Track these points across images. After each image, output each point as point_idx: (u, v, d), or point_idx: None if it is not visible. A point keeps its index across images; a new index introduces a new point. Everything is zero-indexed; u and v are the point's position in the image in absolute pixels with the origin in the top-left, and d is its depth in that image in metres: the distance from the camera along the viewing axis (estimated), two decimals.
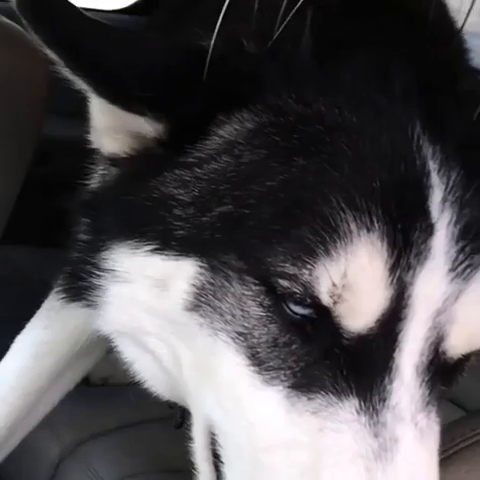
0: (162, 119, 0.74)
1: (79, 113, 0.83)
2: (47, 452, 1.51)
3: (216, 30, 0.74)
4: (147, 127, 0.75)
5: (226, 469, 0.75)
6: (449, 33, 0.87)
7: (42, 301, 1.29)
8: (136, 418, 1.60)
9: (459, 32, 0.92)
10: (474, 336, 0.71)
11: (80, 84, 0.74)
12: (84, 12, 0.73)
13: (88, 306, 0.85)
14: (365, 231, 0.66)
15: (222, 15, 0.74)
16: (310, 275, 0.67)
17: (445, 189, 0.70)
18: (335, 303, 0.67)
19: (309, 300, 0.67)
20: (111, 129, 0.79)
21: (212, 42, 0.73)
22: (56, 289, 1.19)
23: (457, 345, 0.70)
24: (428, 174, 0.70)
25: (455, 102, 0.79)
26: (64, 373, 1.32)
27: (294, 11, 0.75)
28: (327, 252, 0.66)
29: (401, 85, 0.76)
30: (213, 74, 0.73)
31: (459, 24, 0.93)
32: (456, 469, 0.69)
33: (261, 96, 0.74)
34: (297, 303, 0.68)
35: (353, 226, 0.66)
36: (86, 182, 0.95)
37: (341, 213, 0.67)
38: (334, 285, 0.66)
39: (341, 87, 0.74)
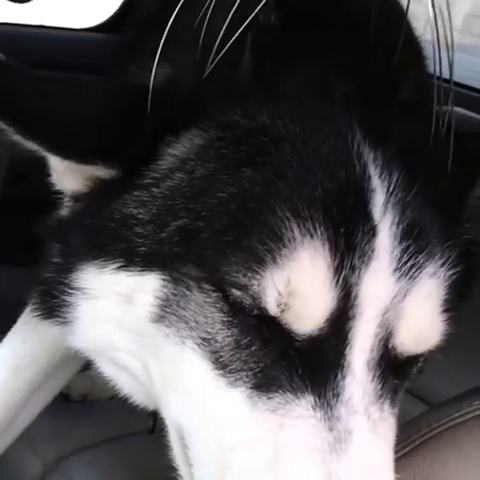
0: (113, 165, 0.78)
1: None
2: (29, 469, 1.51)
3: (156, 61, 0.79)
4: (101, 172, 0.79)
5: (194, 471, 0.78)
6: (396, 41, 0.89)
7: (17, 317, 1.31)
8: (117, 432, 1.60)
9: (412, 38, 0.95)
10: (422, 332, 0.75)
11: (30, 146, 0.77)
12: (25, 70, 0.76)
13: (61, 323, 0.88)
14: (308, 237, 0.69)
15: (162, 44, 0.78)
16: (258, 286, 0.70)
17: (387, 192, 0.73)
18: (282, 311, 0.70)
19: (257, 311, 0.71)
20: (69, 172, 0.83)
21: (153, 74, 0.77)
22: (31, 306, 1.21)
23: (406, 341, 0.73)
24: (369, 179, 0.73)
25: (395, 109, 0.82)
26: (43, 385, 1.33)
27: (235, 37, 0.79)
28: (273, 261, 0.69)
29: (340, 93, 0.79)
30: (157, 104, 0.77)
31: (425, 36, 0.96)
32: (422, 459, 0.72)
33: (206, 114, 0.77)
34: (248, 312, 0.71)
35: (297, 233, 0.69)
36: (58, 205, 0.98)
37: (286, 222, 0.70)
38: (280, 294, 0.69)
39: (283, 99, 0.77)
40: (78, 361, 1.36)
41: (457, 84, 2.70)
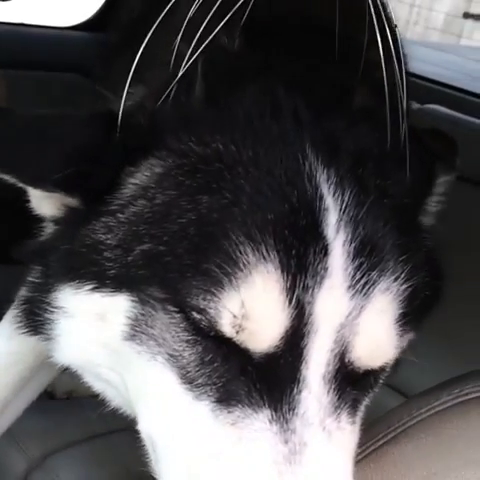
0: (74, 195, 0.83)
1: None
2: (14, 466, 1.51)
3: (126, 87, 0.82)
4: (68, 200, 0.84)
5: (159, 477, 0.82)
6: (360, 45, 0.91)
7: (3, 315, 1.32)
8: (103, 429, 1.60)
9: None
10: (377, 346, 0.77)
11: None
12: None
13: (45, 340, 0.92)
14: (261, 261, 0.72)
15: (134, 66, 0.82)
16: (215, 309, 0.72)
17: (340, 210, 0.75)
18: (237, 332, 0.73)
19: (213, 332, 0.74)
20: (45, 198, 0.87)
21: (122, 101, 0.82)
22: (15, 322, 1.23)
23: (362, 356, 0.76)
24: (321, 198, 0.75)
25: (347, 120, 0.83)
26: (28, 383, 1.34)
27: (188, 64, 0.82)
28: (229, 284, 0.72)
29: (290, 110, 0.81)
30: (121, 133, 0.81)
31: (403, 34, 0.97)
32: (403, 446, 0.74)
33: (163, 143, 0.80)
34: (205, 334, 0.75)
35: (251, 257, 0.72)
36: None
37: (240, 246, 0.72)
38: (234, 316, 0.72)
39: (235, 123, 0.79)
40: None
41: (436, 82, 2.72)
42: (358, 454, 0.78)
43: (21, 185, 0.84)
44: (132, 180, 0.81)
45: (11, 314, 1.30)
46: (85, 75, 2.35)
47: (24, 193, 0.90)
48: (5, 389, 1.31)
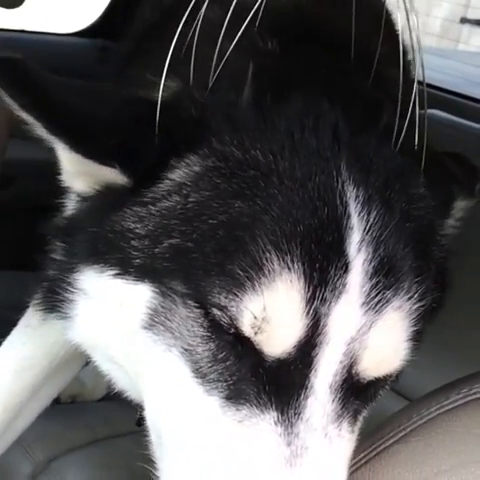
0: (127, 171, 0.82)
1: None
2: (19, 470, 1.52)
3: (162, 81, 0.82)
4: (114, 176, 0.83)
5: (161, 471, 0.84)
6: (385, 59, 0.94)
7: (18, 321, 1.33)
8: (108, 433, 1.61)
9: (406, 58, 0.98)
10: (384, 361, 0.80)
11: (54, 142, 0.81)
12: (55, 77, 0.80)
13: (62, 318, 0.92)
14: (286, 270, 0.74)
15: (167, 65, 0.82)
16: (236, 308, 0.75)
17: (363, 230, 0.77)
18: (256, 333, 0.75)
19: (233, 330, 0.76)
20: (80, 174, 0.87)
21: (160, 93, 0.81)
22: (33, 306, 1.24)
23: (369, 368, 0.78)
24: (349, 217, 0.77)
25: (379, 139, 0.85)
26: (42, 388, 1.35)
27: (225, 59, 0.83)
28: (252, 287, 0.74)
29: (330, 125, 0.83)
30: (167, 121, 0.81)
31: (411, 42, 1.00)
32: (414, 444, 0.75)
33: (208, 141, 0.81)
34: (225, 330, 0.77)
35: (276, 265, 0.74)
36: (59, 205, 1.01)
37: (267, 253, 0.74)
38: (255, 318, 0.74)
39: (276, 133, 0.81)
40: (77, 364, 1.39)
41: (434, 87, 2.74)
42: (369, 453, 0.80)
43: (63, 153, 0.83)
44: (170, 175, 0.82)
45: (26, 320, 1.31)
46: (86, 81, 2.37)
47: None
48: (19, 394, 1.32)
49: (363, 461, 0.79)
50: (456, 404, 0.78)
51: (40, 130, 0.80)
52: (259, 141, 0.80)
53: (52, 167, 0.92)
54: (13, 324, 1.33)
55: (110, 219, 0.83)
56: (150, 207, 0.81)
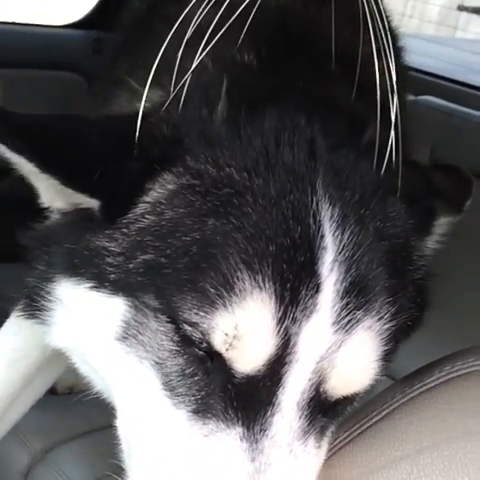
0: (107, 205, 0.83)
1: None
2: (17, 461, 1.52)
3: (143, 99, 0.83)
4: (90, 202, 0.84)
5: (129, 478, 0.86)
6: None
7: (11, 312, 1.33)
8: (103, 422, 1.60)
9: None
10: (352, 380, 0.80)
11: (37, 179, 0.85)
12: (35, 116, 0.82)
13: (41, 324, 0.94)
14: (257, 289, 0.74)
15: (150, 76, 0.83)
16: (207, 325, 0.75)
17: (337, 250, 0.77)
18: (227, 350, 0.75)
19: (205, 345, 0.77)
20: (57, 196, 0.88)
21: (140, 113, 0.82)
22: (18, 305, 1.25)
23: (337, 386, 0.79)
24: (322, 237, 0.77)
25: (357, 156, 0.85)
26: (35, 378, 1.36)
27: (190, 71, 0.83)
28: (224, 306, 0.75)
29: (308, 143, 0.82)
30: (142, 140, 0.82)
31: (402, 28, 0.99)
32: (397, 422, 0.76)
33: (182, 159, 0.81)
34: (196, 345, 0.77)
35: (247, 284, 0.74)
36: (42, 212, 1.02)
37: (238, 272, 0.75)
38: (226, 335, 0.75)
39: (251, 150, 0.80)
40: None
41: (430, 74, 2.74)
42: (353, 432, 0.80)
43: (51, 180, 0.84)
44: (145, 198, 0.82)
45: (17, 311, 1.31)
46: (80, 73, 2.37)
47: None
48: (12, 385, 1.33)
49: (347, 440, 0.80)
50: (438, 381, 0.78)
51: (27, 167, 0.82)
52: (234, 158, 0.80)
53: None
54: (6, 315, 1.34)
55: (85, 238, 0.84)
56: (124, 230, 0.82)
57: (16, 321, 1.32)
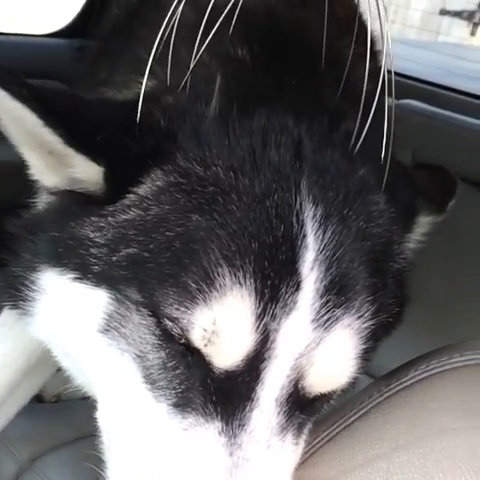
0: (103, 163, 0.83)
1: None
2: (4, 469, 1.51)
3: (144, 83, 0.83)
4: (86, 171, 0.84)
5: (109, 471, 0.87)
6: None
7: None
8: (91, 430, 1.60)
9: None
10: (330, 377, 0.82)
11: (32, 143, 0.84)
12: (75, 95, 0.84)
13: (24, 314, 0.94)
14: (237, 285, 0.75)
15: (148, 66, 0.83)
16: (187, 321, 0.76)
17: (318, 249, 0.79)
18: (205, 345, 0.77)
19: (184, 340, 0.78)
20: (50, 169, 0.88)
21: (141, 97, 0.82)
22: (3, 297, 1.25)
23: (315, 383, 0.80)
24: (304, 236, 0.78)
25: (343, 156, 0.86)
26: (20, 385, 1.36)
27: (194, 64, 0.84)
28: (203, 301, 0.76)
29: (295, 143, 0.83)
30: (141, 125, 0.82)
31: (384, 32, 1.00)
32: (373, 421, 0.76)
33: (173, 156, 0.82)
34: (176, 340, 0.78)
35: (227, 280, 0.75)
36: (29, 203, 1.01)
37: (219, 268, 0.76)
38: (205, 330, 0.76)
39: (238, 150, 0.81)
40: (54, 362, 1.39)
41: (412, 78, 2.76)
42: (331, 431, 0.81)
43: (51, 137, 0.83)
44: (137, 190, 0.83)
45: (1, 318, 1.32)
46: (64, 82, 2.36)
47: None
48: None
49: (326, 439, 0.81)
50: (414, 380, 0.79)
51: (29, 120, 0.80)
52: (221, 158, 0.81)
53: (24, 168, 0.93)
54: None
55: (70, 225, 0.85)
56: (109, 218, 0.83)
57: (1, 329, 1.32)
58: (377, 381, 0.84)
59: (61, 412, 1.71)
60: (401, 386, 0.79)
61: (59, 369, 1.44)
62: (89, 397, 1.52)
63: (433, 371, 0.79)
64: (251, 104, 0.85)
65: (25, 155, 0.88)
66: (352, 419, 0.80)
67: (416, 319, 0.91)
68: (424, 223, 0.99)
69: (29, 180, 0.94)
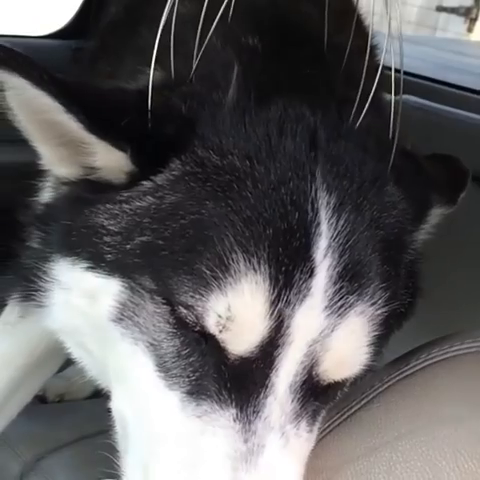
0: (126, 147, 0.82)
1: (20, 140, 0.89)
2: (8, 470, 1.51)
3: (152, 70, 0.83)
4: (105, 160, 0.84)
5: (129, 458, 0.86)
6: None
7: None
8: (94, 430, 1.60)
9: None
10: (344, 363, 0.82)
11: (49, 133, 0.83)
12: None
13: (38, 306, 0.94)
14: (251, 271, 0.76)
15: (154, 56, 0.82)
16: (202, 308, 0.76)
17: (331, 237, 0.79)
18: (220, 331, 0.77)
19: (198, 327, 0.78)
20: (62, 160, 0.87)
21: (150, 83, 0.82)
22: (11, 299, 1.25)
23: (329, 370, 0.80)
24: (318, 224, 0.78)
25: (357, 144, 0.86)
26: (22, 385, 1.36)
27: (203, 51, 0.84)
28: (218, 287, 0.76)
29: (310, 133, 0.84)
30: (158, 117, 0.82)
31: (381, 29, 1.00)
32: (376, 411, 0.77)
33: (191, 145, 0.82)
34: (191, 327, 0.78)
35: (242, 266, 0.76)
36: (34, 197, 1.01)
37: (233, 254, 0.76)
38: (220, 317, 0.76)
39: (254, 139, 0.81)
40: (56, 360, 1.40)
41: (410, 74, 2.75)
42: (333, 422, 0.81)
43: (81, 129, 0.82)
44: (154, 178, 0.82)
45: (4, 317, 1.32)
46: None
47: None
48: None
49: (328, 430, 0.81)
50: (415, 369, 0.79)
51: (54, 111, 0.80)
52: (237, 146, 0.81)
53: (29, 169, 0.94)
54: None
55: (83, 214, 0.84)
56: (124, 205, 0.83)
57: (2, 327, 1.33)
58: (378, 372, 0.84)
59: (64, 412, 1.71)
60: (403, 375, 0.79)
61: (61, 369, 1.46)
62: (91, 397, 1.53)
63: (434, 360, 0.79)
64: (268, 93, 0.86)
65: (38, 148, 0.88)
66: (354, 409, 0.80)
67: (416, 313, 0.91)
68: (435, 214, 0.99)
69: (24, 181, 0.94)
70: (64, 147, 0.85)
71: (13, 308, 1.30)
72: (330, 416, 0.82)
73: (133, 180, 0.83)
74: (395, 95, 0.90)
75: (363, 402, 0.80)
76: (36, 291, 0.92)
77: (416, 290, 0.93)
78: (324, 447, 0.80)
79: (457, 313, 1.66)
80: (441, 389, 0.77)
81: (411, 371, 0.80)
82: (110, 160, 0.83)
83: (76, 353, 0.98)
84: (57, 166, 0.89)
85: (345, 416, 0.80)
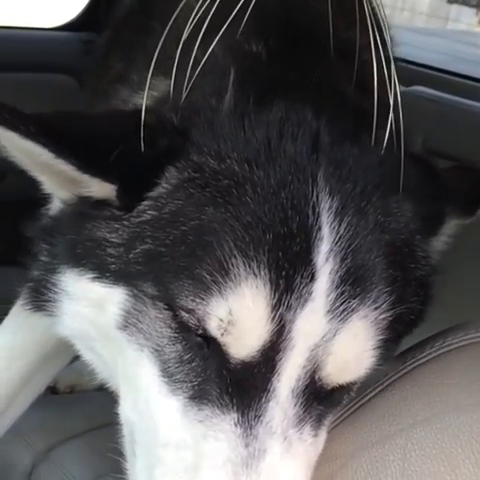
0: (115, 181, 0.83)
1: None
2: (20, 460, 1.53)
3: (146, 91, 0.83)
4: (100, 190, 0.84)
5: (136, 462, 0.87)
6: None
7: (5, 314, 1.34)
8: (105, 421, 1.60)
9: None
10: (347, 368, 0.81)
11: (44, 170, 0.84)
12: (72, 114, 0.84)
13: (49, 315, 0.96)
14: (252, 275, 0.75)
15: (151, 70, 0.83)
16: (203, 311, 0.76)
17: (333, 241, 0.78)
18: (222, 335, 0.77)
19: (201, 331, 0.78)
20: (63, 185, 0.88)
21: (143, 105, 0.82)
22: (22, 300, 1.25)
23: (332, 374, 0.79)
24: (319, 229, 0.78)
25: (361, 149, 0.85)
26: (34, 376, 1.37)
27: (205, 60, 0.84)
28: (219, 291, 0.76)
29: (312, 136, 0.83)
30: (150, 132, 0.81)
31: (393, 21, 0.98)
32: (391, 398, 0.76)
33: (186, 152, 0.82)
34: (193, 331, 0.79)
35: (242, 270, 0.75)
36: (46, 203, 1.03)
37: (233, 259, 0.76)
38: (221, 320, 0.76)
39: (254, 142, 0.80)
40: (68, 352, 1.40)
41: (421, 65, 2.76)
42: (348, 409, 0.81)
43: (64, 166, 0.83)
44: (151, 194, 0.83)
45: (16, 309, 1.32)
46: (72, 75, 2.37)
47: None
48: (10, 383, 1.33)
49: (342, 417, 0.81)
50: (430, 357, 0.79)
51: (40, 155, 0.80)
52: (235, 150, 0.80)
53: None
54: (5, 314, 1.35)
55: (86, 228, 0.85)
56: (125, 222, 0.83)
57: (14, 319, 1.33)
58: (393, 360, 0.84)
59: (75, 403, 1.72)
60: (418, 363, 0.79)
61: (72, 361, 1.46)
62: (102, 388, 1.53)
63: (449, 347, 0.79)
64: (268, 97, 0.85)
65: (37, 177, 0.89)
66: (369, 396, 0.80)
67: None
68: (452, 225, 0.98)
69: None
70: (61, 178, 0.86)
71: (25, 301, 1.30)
72: (345, 404, 0.82)
73: (128, 204, 0.84)
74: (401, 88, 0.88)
75: (378, 390, 0.79)
76: (46, 302, 0.94)
77: (428, 298, 0.91)
78: (339, 434, 0.80)
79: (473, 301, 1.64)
80: (456, 377, 0.76)
81: (426, 359, 0.79)
82: (104, 191, 0.84)
83: (87, 356, 0.99)
84: (57, 191, 0.91)
85: (360, 404, 0.80)
